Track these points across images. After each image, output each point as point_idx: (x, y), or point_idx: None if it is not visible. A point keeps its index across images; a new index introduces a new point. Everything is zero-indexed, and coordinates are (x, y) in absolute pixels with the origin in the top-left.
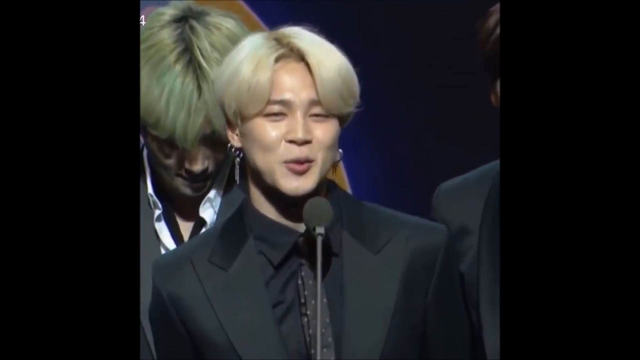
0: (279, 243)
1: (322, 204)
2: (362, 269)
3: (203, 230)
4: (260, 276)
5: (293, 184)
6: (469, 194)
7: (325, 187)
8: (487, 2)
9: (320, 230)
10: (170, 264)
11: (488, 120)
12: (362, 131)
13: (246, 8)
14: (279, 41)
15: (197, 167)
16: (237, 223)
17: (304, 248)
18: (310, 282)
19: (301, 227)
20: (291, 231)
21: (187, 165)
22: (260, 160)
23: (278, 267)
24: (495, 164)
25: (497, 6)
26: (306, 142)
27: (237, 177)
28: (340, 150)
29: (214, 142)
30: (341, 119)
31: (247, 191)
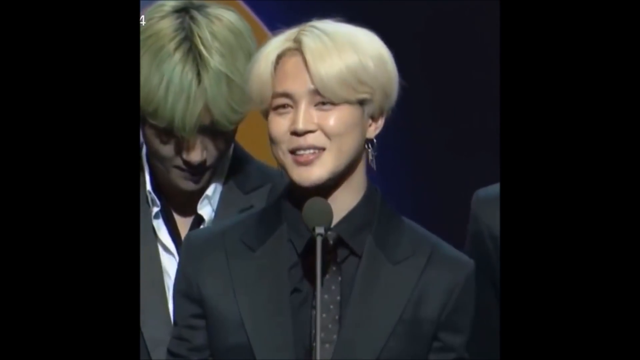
0: (306, 232)
1: (322, 204)
2: (377, 276)
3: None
4: (285, 262)
5: (302, 175)
6: None
7: (365, 187)
8: (487, 2)
9: (320, 230)
10: (202, 238)
11: (489, 120)
12: None
13: (245, 8)
14: (296, 34)
15: (195, 157)
16: (276, 208)
17: (327, 241)
18: (327, 276)
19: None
20: None
21: (184, 156)
22: (274, 152)
23: (301, 256)
24: None
25: None
26: (308, 132)
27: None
28: (375, 140)
29: (213, 132)
30: (359, 105)
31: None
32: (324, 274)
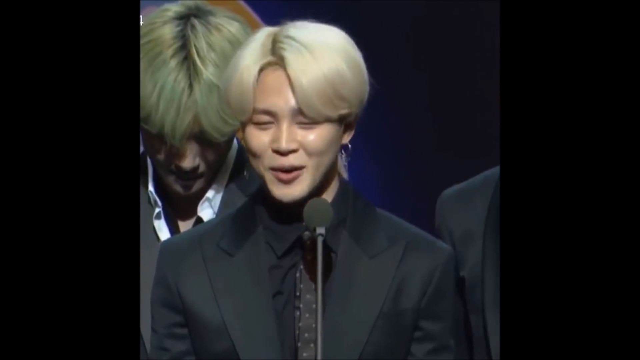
0: (285, 235)
1: (322, 204)
2: (355, 270)
3: None
4: (264, 265)
5: (282, 191)
6: (472, 200)
7: (337, 185)
8: (487, 2)
9: (320, 230)
10: (179, 244)
11: (488, 122)
12: (360, 134)
13: (246, 8)
14: (273, 44)
15: (187, 164)
16: (250, 211)
17: (307, 242)
18: (308, 276)
19: None
20: (298, 223)
21: (177, 162)
22: (253, 165)
23: (281, 258)
24: (498, 169)
25: None
26: (291, 151)
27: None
28: (350, 145)
29: (204, 140)
30: (339, 121)
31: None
32: (301, 272)
